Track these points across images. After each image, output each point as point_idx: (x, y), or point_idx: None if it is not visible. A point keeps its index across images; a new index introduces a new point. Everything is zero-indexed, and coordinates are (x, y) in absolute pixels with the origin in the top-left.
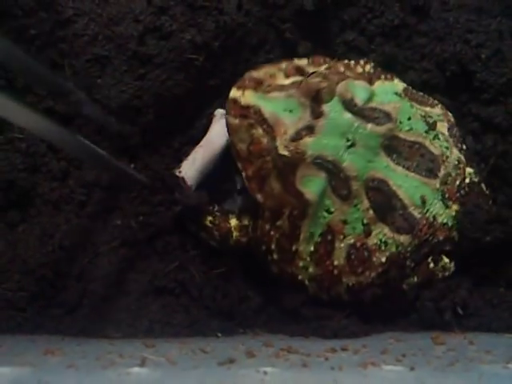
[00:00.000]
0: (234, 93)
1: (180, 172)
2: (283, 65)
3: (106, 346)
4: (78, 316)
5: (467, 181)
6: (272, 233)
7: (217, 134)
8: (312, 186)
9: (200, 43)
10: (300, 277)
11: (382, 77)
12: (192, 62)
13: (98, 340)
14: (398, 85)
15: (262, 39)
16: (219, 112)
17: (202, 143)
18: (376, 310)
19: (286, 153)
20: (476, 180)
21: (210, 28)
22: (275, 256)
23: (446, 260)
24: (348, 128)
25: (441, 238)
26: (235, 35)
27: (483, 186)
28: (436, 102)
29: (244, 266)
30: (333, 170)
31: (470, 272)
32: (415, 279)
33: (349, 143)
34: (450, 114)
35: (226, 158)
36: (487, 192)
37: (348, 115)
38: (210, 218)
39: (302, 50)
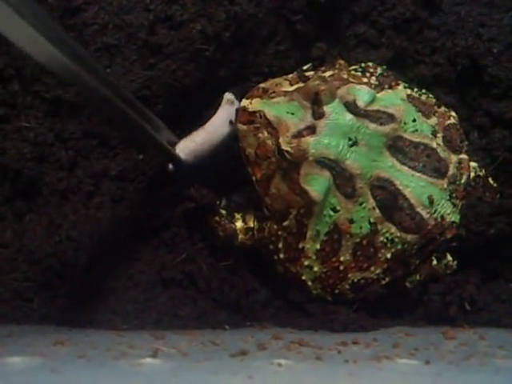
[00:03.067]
0: (244, 102)
1: (175, 149)
2: (289, 76)
3: (114, 337)
4: (85, 307)
5: (472, 175)
6: (280, 233)
7: (222, 121)
8: (316, 184)
9: (210, 33)
10: (304, 277)
11: (386, 86)
12: (202, 53)
13: (105, 331)
14: (402, 91)
15: (273, 30)
16: (227, 97)
17: (205, 126)
18: (383, 305)
19: (288, 148)
20: (481, 174)
21: (221, 18)
22: (281, 255)
23: (450, 258)
24: (350, 128)
25: (449, 236)
26: (246, 26)
27: (490, 179)
28: (435, 107)
29: (251, 260)
30: (336, 169)
31: (479, 267)
32: (417, 277)
33: (351, 142)
34: (451, 114)
35: (231, 146)
36: (494, 185)
37: (349, 116)
38: (215, 218)
39: (316, 52)
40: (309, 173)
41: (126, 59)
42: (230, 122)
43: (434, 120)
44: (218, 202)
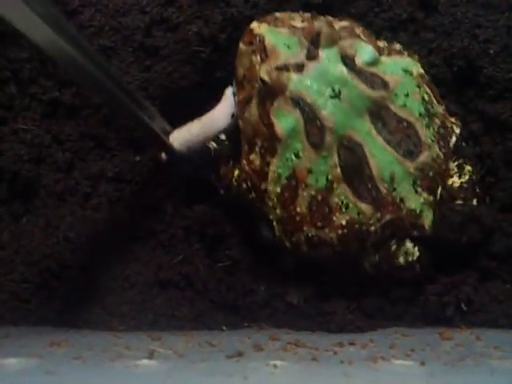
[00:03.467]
0: (254, 24)
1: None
2: (305, 14)
3: (111, 338)
4: (82, 308)
5: (466, 178)
6: (247, 168)
7: (221, 114)
8: (284, 120)
9: (207, 35)
10: (270, 216)
11: (401, 53)
12: (198, 54)
13: (102, 332)
14: (416, 66)
15: None
16: (229, 90)
17: (203, 118)
18: (380, 305)
19: (266, 77)
20: (474, 178)
21: (217, 20)
22: (252, 194)
23: (409, 245)
24: (337, 79)
25: (407, 222)
26: (242, 28)
27: (477, 185)
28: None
29: (249, 260)
30: (309, 114)
31: (476, 268)
32: (376, 258)
33: (333, 94)
34: (451, 120)
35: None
36: (478, 191)
37: (342, 68)
38: (223, 168)
39: None
40: (281, 107)
41: (122, 61)
42: (232, 116)
43: (440, 108)
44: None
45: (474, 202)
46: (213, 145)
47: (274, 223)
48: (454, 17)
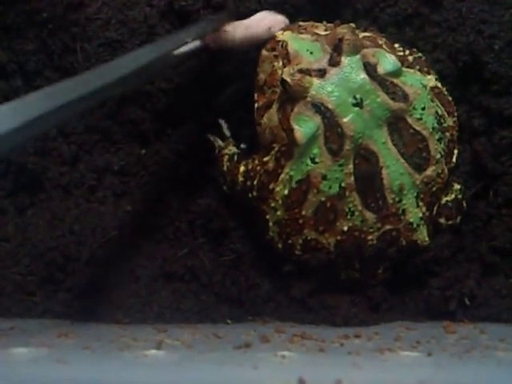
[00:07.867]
0: (277, 32)
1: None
2: (329, 24)
3: (117, 330)
4: (88, 301)
5: (452, 196)
6: (258, 168)
7: (260, 19)
8: (304, 126)
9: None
10: (268, 216)
11: (417, 67)
12: (205, 48)
13: (108, 325)
14: (430, 81)
15: None
16: None
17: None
18: (383, 299)
19: (288, 79)
20: (459, 197)
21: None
22: (255, 193)
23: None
24: (359, 87)
25: (403, 236)
26: None
27: (464, 202)
28: (455, 113)
29: (253, 254)
30: (330, 121)
31: (479, 262)
32: (357, 275)
33: (355, 102)
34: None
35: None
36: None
37: (363, 76)
38: (227, 164)
39: None
40: (301, 112)
41: None
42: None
43: (450, 121)
44: (228, 150)
45: (458, 220)
46: (218, 142)
47: (270, 224)
48: (459, 12)
